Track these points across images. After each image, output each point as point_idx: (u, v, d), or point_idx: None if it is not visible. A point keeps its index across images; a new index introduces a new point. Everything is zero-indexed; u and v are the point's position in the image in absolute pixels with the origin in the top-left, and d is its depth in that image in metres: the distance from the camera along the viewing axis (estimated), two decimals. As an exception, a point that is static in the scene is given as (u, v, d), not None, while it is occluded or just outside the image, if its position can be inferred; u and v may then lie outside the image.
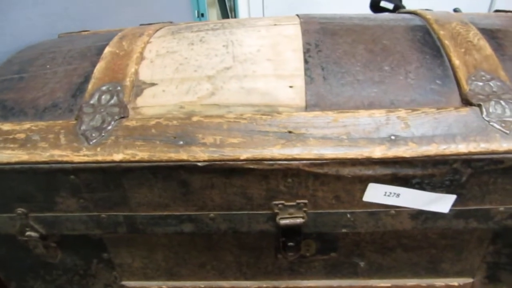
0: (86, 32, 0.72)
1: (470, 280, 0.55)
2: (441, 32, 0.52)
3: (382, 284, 0.55)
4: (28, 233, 0.50)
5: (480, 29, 0.53)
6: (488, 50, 0.49)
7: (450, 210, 0.46)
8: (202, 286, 0.57)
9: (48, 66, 0.56)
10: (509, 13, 0.67)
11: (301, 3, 2.53)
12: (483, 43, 0.50)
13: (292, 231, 0.48)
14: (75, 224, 0.49)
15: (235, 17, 2.47)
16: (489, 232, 0.49)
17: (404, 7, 2.02)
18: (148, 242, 0.53)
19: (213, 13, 2.28)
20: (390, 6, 2.05)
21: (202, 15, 1.78)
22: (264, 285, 0.56)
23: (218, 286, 0.57)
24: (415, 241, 0.51)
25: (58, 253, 0.54)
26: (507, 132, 0.42)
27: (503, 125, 0.42)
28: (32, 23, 0.70)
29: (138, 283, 0.58)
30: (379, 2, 2.03)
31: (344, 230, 0.48)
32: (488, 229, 0.49)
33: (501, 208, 0.46)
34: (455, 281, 0.55)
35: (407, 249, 0.52)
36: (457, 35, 0.51)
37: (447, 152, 0.42)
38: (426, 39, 0.52)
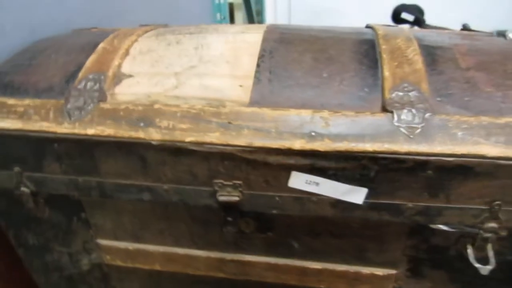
0: (95, 29, 0.83)
1: (393, 271, 0.61)
2: (383, 47, 0.59)
3: (315, 266, 0.63)
4: (22, 188, 0.62)
5: (422, 45, 0.59)
6: (419, 64, 0.55)
7: (365, 202, 0.53)
8: (162, 250, 0.66)
9: (52, 56, 0.67)
10: (474, 32, 0.72)
11: (326, 9, 2.60)
12: (417, 58, 0.56)
13: (230, 208, 0.56)
14: (58, 185, 0.60)
15: (261, 21, 2.57)
16: (405, 227, 0.56)
17: (424, 20, 2.06)
18: (117, 207, 0.63)
19: (239, 16, 2.38)
20: (410, 18, 2.09)
21: (224, 18, 1.88)
22: (213, 256, 0.65)
23: (174, 252, 0.66)
24: (340, 229, 0.58)
25: (46, 209, 0.65)
26: (411, 136, 0.49)
27: (409, 130, 0.49)
28: (51, 18, 0.83)
29: (109, 242, 0.68)
30: (400, 14, 2.07)
31: (274, 211, 0.56)
32: (403, 223, 0.55)
33: (410, 205, 0.52)
34: (379, 271, 0.61)
35: (334, 236, 0.59)
36: (396, 50, 0.58)
37: (355, 149, 0.49)
38: (369, 52, 0.59)
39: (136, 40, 0.67)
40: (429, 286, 0.62)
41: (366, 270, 0.62)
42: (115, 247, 0.68)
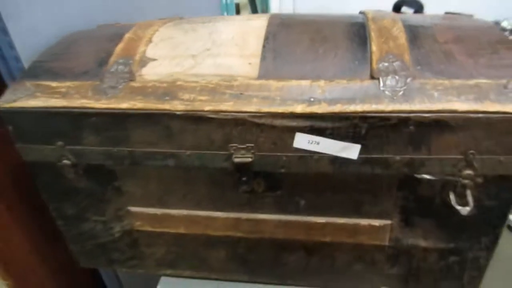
0: (118, 24, 0.93)
1: (388, 222, 0.70)
2: (372, 26, 0.68)
3: (319, 221, 0.72)
4: (64, 161, 0.72)
5: (406, 25, 0.69)
6: (402, 40, 0.65)
7: (359, 157, 0.62)
8: (185, 213, 0.76)
9: (84, 45, 0.77)
10: (455, 15, 0.81)
11: (330, 9, 2.68)
12: (401, 35, 0.66)
13: (244, 168, 0.66)
14: (95, 156, 0.70)
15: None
16: (395, 179, 0.65)
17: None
18: (145, 174, 0.72)
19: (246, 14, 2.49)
20: (410, 11, 2.19)
21: None
22: (230, 216, 0.74)
23: (196, 214, 0.75)
24: (339, 184, 0.67)
25: (84, 180, 0.75)
26: (394, 97, 0.58)
27: (393, 92, 0.58)
28: (78, 15, 0.93)
29: (139, 209, 0.78)
30: (400, 8, 2.17)
31: (282, 170, 0.65)
32: (393, 175, 0.64)
33: (397, 158, 0.61)
34: (376, 222, 0.70)
35: (334, 191, 0.68)
36: (382, 28, 0.67)
37: (348, 110, 0.58)
38: (360, 32, 0.68)
39: (157, 30, 0.77)
40: (421, 234, 0.70)
41: (364, 222, 0.71)
42: (145, 213, 0.78)
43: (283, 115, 0.60)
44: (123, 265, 0.89)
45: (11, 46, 0.77)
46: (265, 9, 2.91)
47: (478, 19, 0.77)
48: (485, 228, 0.68)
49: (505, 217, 0.66)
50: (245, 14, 2.53)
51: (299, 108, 0.59)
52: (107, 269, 0.92)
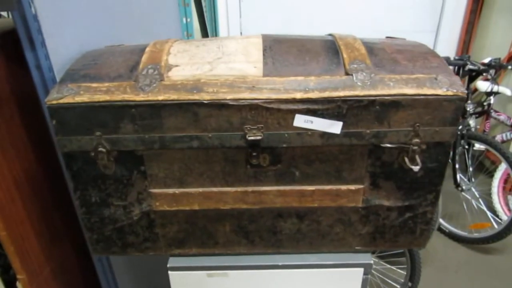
0: (123, 45, 1.11)
1: (361, 186, 0.92)
2: (340, 42, 0.93)
3: (309, 188, 0.92)
4: (99, 149, 0.86)
5: (363, 42, 0.95)
6: (363, 51, 0.90)
7: (341, 132, 0.84)
8: (201, 190, 0.92)
9: (110, 58, 0.94)
10: (393, 38, 1.10)
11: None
12: (362, 47, 0.91)
13: (255, 145, 0.85)
14: (129, 142, 0.85)
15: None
16: (366, 149, 0.88)
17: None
18: (170, 157, 0.88)
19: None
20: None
21: (191, 35, 2.23)
22: (239, 190, 0.92)
23: (210, 191, 0.92)
24: (325, 155, 0.88)
25: (113, 166, 0.89)
26: (364, 86, 0.82)
27: (363, 83, 0.82)
28: (89, 38, 1.09)
29: (159, 190, 0.92)
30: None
31: (284, 145, 0.85)
32: (365, 145, 0.87)
33: (368, 131, 0.84)
34: (352, 187, 0.92)
35: (321, 161, 0.89)
36: (348, 43, 0.92)
37: (333, 95, 0.81)
38: (332, 46, 0.93)
39: (172, 45, 0.96)
40: (384, 195, 0.93)
41: (343, 187, 0.92)
42: (164, 193, 0.92)
43: (287, 101, 0.81)
44: (137, 249, 1.00)
45: (47, 57, 0.91)
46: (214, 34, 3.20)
47: (410, 40, 1.06)
48: (429, 187, 0.93)
49: (442, 176, 0.92)
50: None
51: (298, 95, 0.81)
52: (121, 255, 1.02)
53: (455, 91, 0.81)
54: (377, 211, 0.95)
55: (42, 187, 0.92)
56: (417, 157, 0.87)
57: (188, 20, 2.25)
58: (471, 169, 2.34)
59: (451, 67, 2.54)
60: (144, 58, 0.90)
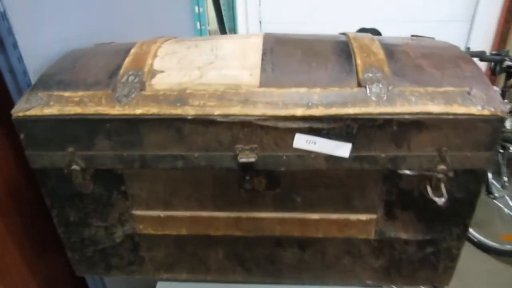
0: (114, 43, 0.99)
1: (374, 216, 0.79)
2: (355, 44, 0.79)
3: (313, 217, 0.79)
4: (73, 166, 0.75)
5: (382, 44, 0.80)
6: (381, 55, 0.75)
7: (350, 155, 0.71)
8: (188, 214, 0.81)
9: (92, 60, 0.83)
10: (419, 37, 0.94)
11: (293, 31, 2.86)
12: (380, 51, 0.77)
13: (248, 167, 0.73)
14: (105, 160, 0.75)
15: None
16: (380, 174, 0.74)
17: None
18: (153, 177, 0.77)
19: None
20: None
21: (204, 25, 2.11)
22: (231, 215, 0.80)
23: (199, 215, 0.81)
24: (331, 181, 0.75)
25: (91, 185, 0.79)
26: (380, 102, 0.68)
27: (378, 98, 0.68)
28: (76, 35, 0.98)
29: (143, 212, 0.82)
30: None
31: (282, 168, 0.73)
32: (379, 171, 0.73)
33: (383, 155, 0.70)
34: (363, 216, 0.79)
35: (327, 187, 0.76)
36: (363, 46, 0.78)
37: (341, 112, 0.67)
38: (344, 49, 0.79)
39: (160, 46, 0.84)
40: (401, 226, 0.79)
41: (353, 216, 0.79)
42: (148, 216, 0.82)
43: (285, 118, 0.68)
44: (122, 271, 0.91)
45: (20, 59, 0.81)
46: (232, 28, 3.06)
47: (439, 40, 0.90)
48: (456, 219, 0.78)
49: (473, 208, 0.77)
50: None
51: (299, 111, 0.68)
52: (106, 276, 0.94)
53: (492, 110, 0.66)
54: (393, 244, 0.82)
55: (24, 197, 0.83)
56: (442, 186, 0.72)
57: (201, 10, 2.11)
58: (505, 176, 2.13)
59: (486, 63, 2.32)
60: (126, 62, 0.79)
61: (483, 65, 2.18)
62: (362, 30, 2.32)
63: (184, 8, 1.98)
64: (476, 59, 1.89)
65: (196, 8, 2.09)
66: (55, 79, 0.78)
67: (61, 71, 0.80)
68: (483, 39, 2.77)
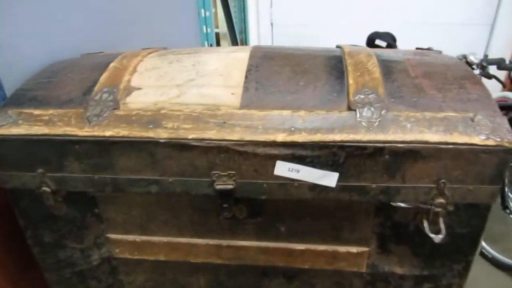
0: (101, 53, 0.95)
1: (365, 248, 0.72)
2: (349, 61, 0.72)
3: (299, 248, 0.73)
4: (43, 188, 0.71)
5: (380, 60, 0.73)
6: (376, 74, 0.68)
7: (337, 185, 0.64)
8: (166, 240, 0.76)
9: (69, 74, 0.78)
10: (425, 50, 0.87)
11: (306, 37, 2.80)
12: (376, 69, 0.70)
13: (226, 195, 0.67)
14: (76, 183, 0.70)
15: (245, 49, 2.75)
16: (372, 206, 0.67)
17: (396, 46, 2.27)
18: (127, 201, 0.73)
19: (225, 45, 2.55)
20: (383, 44, 2.29)
21: (211, 45, 2.04)
22: (211, 243, 0.75)
23: (177, 241, 0.75)
24: (318, 211, 0.69)
25: (63, 207, 0.74)
26: (370, 128, 0.61)
27: (369, 123, 0.61)
28: (63, 45, 0.94)
29: (119, 236, 0.77)
30: (374, 40, 2.27)
31: (263, 197, 0.67)
32: (370, 203, 0.66)
33: (374, 185, 0.64)
34: (354, 249, 0.72)
35: (314, 218, 0.70)
36: (359, 63, 0.71)
37: (327, 139, 0.61)
38: (337, 65, 0.72)
39: (141, 60, 0.79)
40: (396, 261, 0.72)
41: (342, 248, 0.72)
42: (124, 240, 0.77)
43: (265, 144, 0.62)
44: (101, 295, 0.87)
45: (-6, 73, 0.77)
46: (244, 39, 3.00)
47: (446, 55, 0.82)
48: (457, 256, 0.71)
49: (476, 244, 0.69)
50: (226, 45, 2.60)
51: (281, 137, 0.61)
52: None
53: (498, 140, 0.58)
54: (387, 279, 0.75)
55: (5, 214, 0.79)
56: (440, 221, 0.65)
57: (207, 13, 2.06)
58: (523, 190, 2.01)
59: (505, 72, 2.20)
60: (102, 77, 0.74)
61: (502, 74, 2.06)
62: (376, 34, 2.22)
63: (190, 11, 1.93)
64: (493, 67, 1.78)
65: (203, 11, 2.04)
66: (28, 95, 0.74)
67: (36, 87, 0.76)
68: (504, 44, 2.63)
